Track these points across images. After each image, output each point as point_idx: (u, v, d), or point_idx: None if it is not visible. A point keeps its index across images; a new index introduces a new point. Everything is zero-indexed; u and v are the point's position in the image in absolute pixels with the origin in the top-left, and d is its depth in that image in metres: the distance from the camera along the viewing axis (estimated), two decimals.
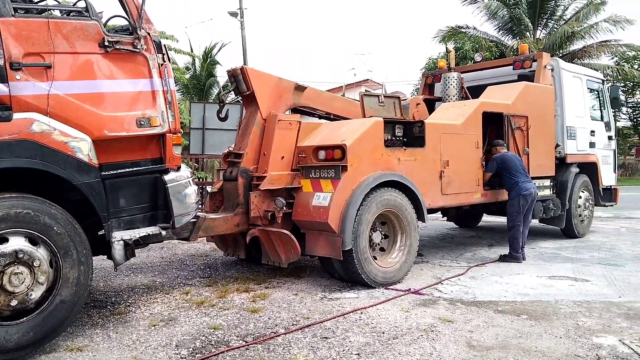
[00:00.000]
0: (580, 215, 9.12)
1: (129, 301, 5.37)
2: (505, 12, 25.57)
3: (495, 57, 22.67)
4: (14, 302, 3.68)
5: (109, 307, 5.18)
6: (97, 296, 5.58)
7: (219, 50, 27.31)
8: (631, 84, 27.87)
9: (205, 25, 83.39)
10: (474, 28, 26.25)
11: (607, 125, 9.97)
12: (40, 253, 3.80)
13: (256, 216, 5.87)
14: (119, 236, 4.19)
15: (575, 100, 9.05)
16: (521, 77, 8.65)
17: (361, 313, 4.86)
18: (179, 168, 4.57)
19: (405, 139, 6.63)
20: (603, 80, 10.11)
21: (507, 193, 7.35)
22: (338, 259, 5.56)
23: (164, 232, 4.44)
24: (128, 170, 4.29)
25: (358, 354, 3.88)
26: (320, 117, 7.26)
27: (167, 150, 4.41)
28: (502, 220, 10.63)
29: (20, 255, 3.69)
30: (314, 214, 5.66)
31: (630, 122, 32.08)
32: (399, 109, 6.71)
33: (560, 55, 25.11)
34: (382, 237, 6.05)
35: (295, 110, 6.86)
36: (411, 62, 79.42)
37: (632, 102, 31.01)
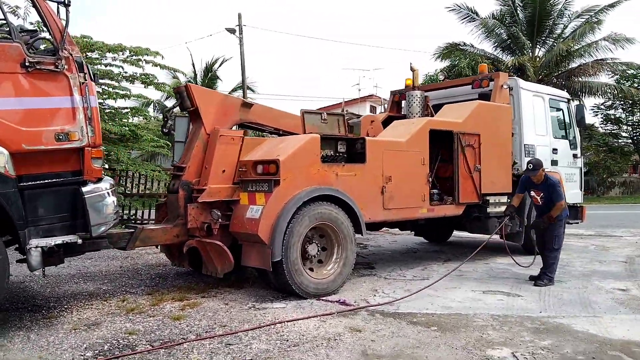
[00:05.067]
0: None
1: (65, 306, 5.62)
2: (502, 31, 25.77)
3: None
4: None
5: (43, 311, 5.44)
6: (38, 301, 5.85)
7: (219, 66, 27.86)
8: (630, 102, 27.74)
9: (206, 41, 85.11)
10: (472, 45, 26.46)
11: (573, 144, 10.08)
12: None
13: (194, 227, 6.11)
14: (35, 243, 4.45)
15: (536, 118, 9.19)
16: (482, 96, 8.82)
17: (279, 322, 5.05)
18: (99, 180, 4.84)
19: (347, 155, 6.82)
20: (569, 99, 10.23)
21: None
22: (268, 269, 5.77)
23: (80, 241, 4.69)
24: (48, 181, 4.57)
25: None
26: (271, 133, 7.52)
27: (86, 163, 4.69)
28: (472, 236, 10.73)
29: None
30: (247, 226, 5.89)
31: (630, 141, 31.86)
32: (342, 126, 6.94)
33: (558, 73, 25.23)
34: (318, 250, 6.25)
35: (243, 126, 7.13)
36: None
37: (632, 120, 30.81)
